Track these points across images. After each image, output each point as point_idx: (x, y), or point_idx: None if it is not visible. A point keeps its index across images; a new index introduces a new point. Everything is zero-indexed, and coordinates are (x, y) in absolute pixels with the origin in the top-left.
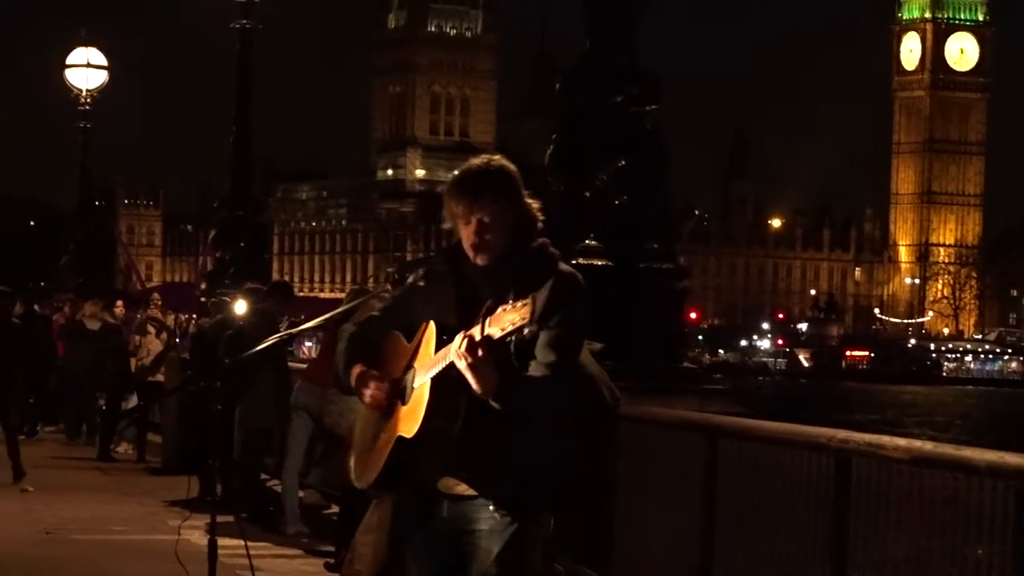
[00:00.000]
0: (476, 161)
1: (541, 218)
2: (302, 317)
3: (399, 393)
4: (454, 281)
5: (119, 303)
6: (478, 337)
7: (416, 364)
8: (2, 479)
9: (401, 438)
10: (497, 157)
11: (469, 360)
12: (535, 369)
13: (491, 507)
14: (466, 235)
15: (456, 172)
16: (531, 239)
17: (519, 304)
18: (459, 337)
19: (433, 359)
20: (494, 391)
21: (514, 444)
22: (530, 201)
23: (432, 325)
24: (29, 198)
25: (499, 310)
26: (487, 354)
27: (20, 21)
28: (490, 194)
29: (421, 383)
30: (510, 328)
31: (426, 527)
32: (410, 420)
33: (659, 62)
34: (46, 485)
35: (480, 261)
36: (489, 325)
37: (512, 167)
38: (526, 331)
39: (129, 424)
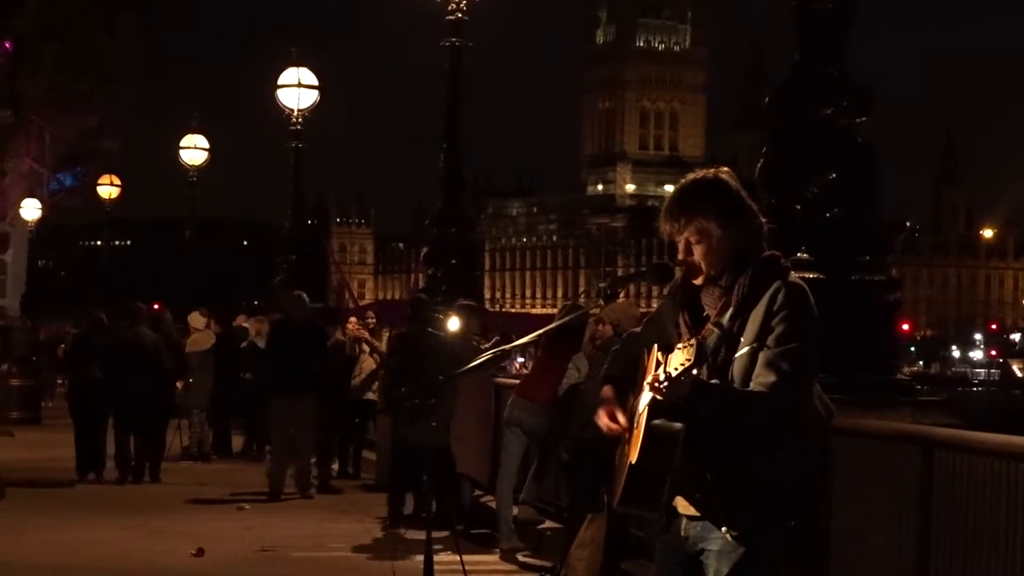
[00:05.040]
0: (686, 177)
1: (767, 225)
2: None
3: (634, 416)
4: (684, 298)
5: (352, 320)
6: (662, 377)
7: (644, 387)
8: (219, 496)
9: (631, 463)
10: (708, 172)
11: (657, 398)
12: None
13: (722, 528)
14: (680, 254)
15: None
16: (756, 252)
17: (688, 343)
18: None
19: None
20: (674, 401)
21: (737, 468)
22: (753, 211)
23: (655, 349)
24: (242, 218)
25: (675, 349)
26: (673, 384)
27: (232, 43)
28: (687, 214)
29: (640, 412)
30: (681, 369)
31: (666, 543)
32: (635, 447)
33: (868, 71)
34: (263, 503)
35: (695, 281)
36: (667, 364)
37: (721, 180)
38: (741, 352)
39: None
